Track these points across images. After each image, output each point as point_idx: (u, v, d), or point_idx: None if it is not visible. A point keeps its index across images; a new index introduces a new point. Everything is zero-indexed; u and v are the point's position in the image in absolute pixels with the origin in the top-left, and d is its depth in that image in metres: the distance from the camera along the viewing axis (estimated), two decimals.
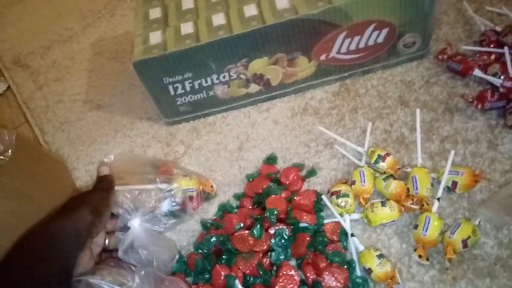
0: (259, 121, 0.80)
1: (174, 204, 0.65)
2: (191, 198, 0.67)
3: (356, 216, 0.62)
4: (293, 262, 0.61)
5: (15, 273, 0.44)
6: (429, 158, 0.66)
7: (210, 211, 0.71)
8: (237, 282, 0.58)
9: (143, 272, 0.54)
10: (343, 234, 0.61)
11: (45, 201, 0.62)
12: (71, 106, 0.96)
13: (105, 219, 0.55)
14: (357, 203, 0.64)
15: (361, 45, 0.75)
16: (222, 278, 0.59)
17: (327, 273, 0.56)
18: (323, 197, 0.64)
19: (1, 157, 0.57)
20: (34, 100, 1.00)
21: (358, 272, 0.58)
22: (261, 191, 0.68)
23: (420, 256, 0.56)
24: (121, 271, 0.57)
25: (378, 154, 0.65)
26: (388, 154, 0.65)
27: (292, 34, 0.71)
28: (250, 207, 0.67)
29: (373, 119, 0.73)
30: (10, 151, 0.58)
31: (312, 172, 0.69)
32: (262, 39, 0.71)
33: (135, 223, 0.60)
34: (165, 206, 0.64)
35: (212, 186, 0.70)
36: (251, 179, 0.71)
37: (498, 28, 0.76)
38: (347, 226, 0.61)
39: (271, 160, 0.73)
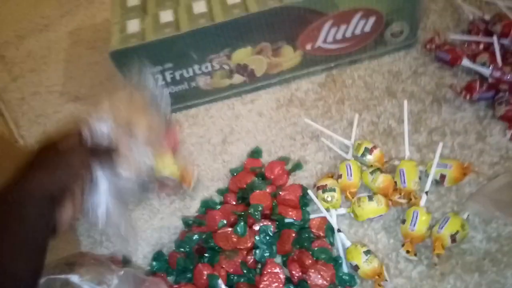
0: (243, 113, 0.77)
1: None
2: (164, 185, 0.61)
3: (342, 211, 0.61)
4: (278, 259, 0.59)
5: None
6: (417, 150, 0.65)
7: (192, 207, 0.68)
8: (220, 281, 0.56)
9: (122, 272, 0.52)
10: (330, 229, 0.60)
11: None
12: (47, 98, 0.92)
13: (82, 173, 0.46)
14: (344, 198, 0.62)
15: (348, 34, 0.73)
16: (204, 277, 0.56)
17: (313, 270, 0.54)
18: (309, 191, 0.63)
19: None
20: (9, 92, 0.96)
21: (345, 268, 0.57)
22: (245, 186, 0.65)
23: (408, 252, 0.55)
24: (100, 268, 0.54)
25: (365, 147, 0.63)
26: (375, 147, 0.63)
27: (277, 23, 0.69)
28: (234, 202, 0.65)
29: (360, 111, 0.71)
30: None
31: (297, 166, 0.67)
32: (246, 28, 0.68)
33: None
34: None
35: (190, 182, 0.64)
36: (235, 174, 0.69)
37: (487, 17, 0.75)
38: (333, 221, 0.60)
39: (255, 153, 0.71)
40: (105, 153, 0.47)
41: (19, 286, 0.39)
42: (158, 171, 0.57)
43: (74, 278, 0.53)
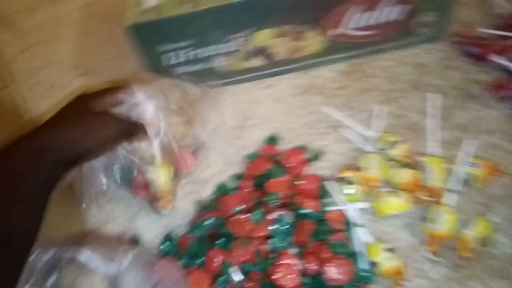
0: (260, 98, 0.75)
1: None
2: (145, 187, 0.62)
3: (362, 205, 0.58)
4: (293, 251, 0.57)
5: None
6: (441, 147, 0.62)
7: (204, 191, 0.66)
8: (233, 269, 0.54)
9: (136, 251, 0.49)
10: (349, 223, 0.57)
11: None
12: (57, 72, 0.88)
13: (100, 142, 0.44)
14: (364, 191, 0.60)
15: (373, 21, 0.69)
16: (217, 263, 0.54)
17: (330, 264, 0.52)
18: (328, 183, 0.60)
19: None
20: (17, 63, 0.92)
21: (363, 265, 0.54)
22: (261, 173, 0.63)
23: (431, 252, 0.53)
24: (109, 246, 0.53)
25: (390, 140, 0.60)
26: (400, 141, 0.60)
27: (302, 5, 0.65)
28: (249, 189, 0.63)
29: (383, 103, 0.69)
30: None
31: (316, 156, 0.65)
32: (269, 8, 0.65)
33: None
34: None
35: (164, 206, 0.63)
36: (251, 160, 0.66)
37: None
38: (352, 215, 0.57)
39: (272, 140, 0.68)
40: (131, 130, 0.44)
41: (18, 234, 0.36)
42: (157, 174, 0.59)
43: (82, 254, 0.51)
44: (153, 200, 0.62)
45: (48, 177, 0.38)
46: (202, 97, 0.59)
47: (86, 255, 0.51)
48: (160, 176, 0.59)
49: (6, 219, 0.35)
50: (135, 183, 0.62)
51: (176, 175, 0.61)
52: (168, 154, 0.57)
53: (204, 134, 0.61)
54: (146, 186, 0.61)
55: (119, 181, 0.60)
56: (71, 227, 0.63)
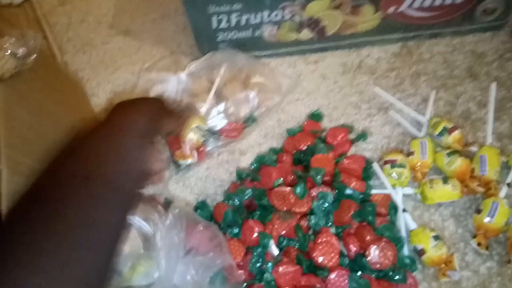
0: (306, 73, 0.72)
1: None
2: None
3: (410, 190, 0.56)
4: (332, 231, 0.55)
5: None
6: (497, 139, 0.59)
7: (241, 161, 0.64)
8: (272, 242, 0.52)
9: (177, 211, 0.48)
10: (393, 208, 0.55)
11: (62, 120, 0.55)
12: (95, 27, 0.86)
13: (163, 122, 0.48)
14: (412, 177, 0.57)
15: (437, 2, 0.66)
16: (255, 234, 0.52)
17: (375, 246, 0.50)
18: (374, 164, 0.58)
19: (23, 62, 0.49)
20: (55, 15, 0.90)
21: (406, 251, 0.52)
22: (303, 147, 0.60)
23: (479, 244, 0.50)
24: (145, 205, 0.51)
25: (444, 126, 0.57)
26: (455, 128, 0.57)
27: None
28: (289, 163, 0.60)
29: (437, 88, 0.65)
30: (33, 57, 0.50)
31: (362, 136, 0.62)
32: None
33: None
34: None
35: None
36: (292, 134, 0.64)
37: None
38: (398, 199, 0.55)
39: (316, 116, 0.65)
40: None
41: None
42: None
43: None
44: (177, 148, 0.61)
45: (135, 147, 0.40)
46: (256, 70, 0.59)
47: None
48: (193, 128, 0.59)
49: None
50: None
51: (209, 135, 0.62)
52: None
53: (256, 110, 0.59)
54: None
55: None
56: None
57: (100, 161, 0.36)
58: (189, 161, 0.60)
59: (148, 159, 0.42)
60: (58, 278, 0.29)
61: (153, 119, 0.43)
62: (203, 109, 0.63)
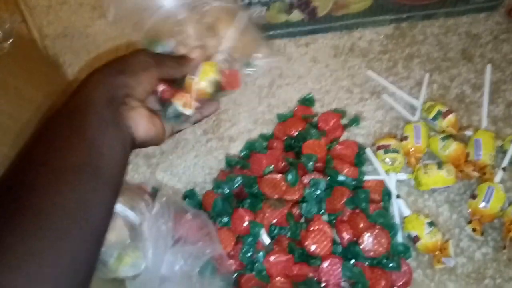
0: (296, 56, 0.70)
1: None
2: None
3: (403, 176, 0.54)
4: (324, 218, 0.53)
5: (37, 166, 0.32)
6: (492, 123, 0.58)
7: (230, 148, 0.62)
8: (263, 230, 0.50)
9: (164, 199, 0.46)
10: (387, 194, 0.54)
11: (44, 106, 0.52)
12: (77, 10, 0.83)
13: (147, 79, 0.39)
14: (406, 163, 0.56)
15: None
16: (245, 223, 0.51)
17: (368, 234, 0.49)
18: (368, 150, 0.56)
19: (0, 47, 0.47)
20: None
21: (400, 238, 0.51)
22: (295, 133, 0.59)
23: (474, 230, 0.49)
24: (131, 193, 0.49)
25: (438, 110, 0.56)
26: (450, 111, 0.56)
27: None
28: (280, 150, 0.59)
29: (431, 71, 0.64)
30: (10, 41, 0.48)
31: (355, 121, 0.60)
32: None
33: None
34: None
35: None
36: (282, 120, 0.62)
37: None
38: (392, 186, 0.54)
39: (307, 101, 0.64)
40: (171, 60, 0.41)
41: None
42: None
43: None
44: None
45: (99, 119, 0.35)
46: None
47: None
48: (206, 70, 0.45)
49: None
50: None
51: (217, 88, 0.46)
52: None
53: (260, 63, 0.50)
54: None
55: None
56: None
57: (62, 146, 0.33)
58: (190, 111, 0.45)
59: (128, 127, 0.37)
60: (29, 272, 0.27)
61: (125, 79, 0.37)
62: (219, 53, 0.47)
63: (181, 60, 0.42)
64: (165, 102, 0.44)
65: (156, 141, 0.41)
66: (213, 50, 0.46)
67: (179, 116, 0.43)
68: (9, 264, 0.27)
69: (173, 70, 0.42)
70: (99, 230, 0.33)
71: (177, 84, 0.45)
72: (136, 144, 0.38)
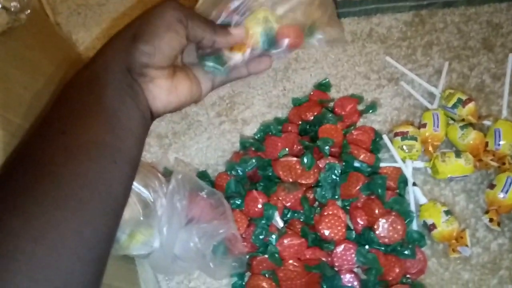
0: None
1: None
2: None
3: (420, 164, 0.54)
4: (338, 204, 0.53)
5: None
6: (511, 114, 0.57)
7: (244, 131, 0.61)
8: (276, 213, 0.50)
9: (180, 176, 0.45)
10: (402, 182, 0.53)
11: (57, 80, 0.51)
12: None
13: (170, 41, 0.33)
14: (423, 151, 0.55)
15: None
16: (259, 206, 0.50)
17: (384, 220, 0.48)
18: (384, 136, 0.55)
19: (16, 18, 0.46)
20: None
21: (415, 226, 0.50)
22: (311, 118, 0.58)
23: (491, 220, 0.49)
24: (144, 171, 0.48)
25: (458, 98, 0.55)
26: (470, 100, 0.55)
27: None
28: (295, 133, 0.58)
29: (450, 60, 0.63)
30: (27, 12, 0.47)
31: (372, 107, 0.59)
32: None
33: None
34: None
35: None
36: (297, 104, 0.61)
37: None
38: (409, 173, 0.53)
39: (323, 86, 0.63)
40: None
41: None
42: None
43: None
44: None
45: (116, 88, 0.33)
46: None
47: None
48: (259, 15, 0.37)
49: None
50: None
51: (271, 40, 0.38)
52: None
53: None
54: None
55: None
56: None
57: (82, 114, 0.31)
58: (239, 55, 0.37)
59: (146, 99, 0.34)
60: (51, 242, 0.27)
61: (142, 46, 0.32)
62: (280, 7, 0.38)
63: (218, 27, 0.36)
64: (204, 50, 0.37)
65: (182, 106, 0.37)
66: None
67: (221, 65, 0.37)
68: (31, 234, 0.27)
69: (203, 32, 0.35)
70: (118, 204, 0.33)
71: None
72: (155, 116, 0.36)
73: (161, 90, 0.35)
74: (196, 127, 0.63)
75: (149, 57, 0.33)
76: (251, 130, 0.61)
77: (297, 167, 0.51)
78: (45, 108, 0.34)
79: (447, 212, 0.48)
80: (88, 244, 0.29)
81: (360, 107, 0.61)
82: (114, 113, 0.32)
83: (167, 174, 0.57)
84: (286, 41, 0.38)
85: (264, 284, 0.48)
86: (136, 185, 0.47)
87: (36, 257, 0.26)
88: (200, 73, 0.38)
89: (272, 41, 0.37)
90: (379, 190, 0.50)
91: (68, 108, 0.33)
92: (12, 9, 0.49)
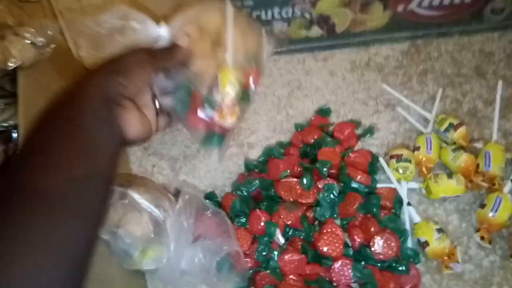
0: (314, 70, 0.73)
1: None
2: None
3: (414, 185, 0.57)
4: (337, 222, 0.56)
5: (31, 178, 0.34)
6: (503, 137, 0.60)
7: (249, 154, 0.65)
8: (278, 231, 0.53)
9: (187, 197, 0.49)
10: (398, 202, 0.56)
11: None
12: None
13: (140, 76, 0.40)
14: (417, 173, 0.58)
15: (446, 1, 0.67)
16: (261, 224, 0.54)
17: (379, 237, 0.51)
18: (380, 159, 0.59)
19: (42, 52, 0.52)
20: (72, 11, 0.93)
21: (410, 243, 0.53)
22: (311, 141, 0.62)
23: (482, 238, 0.51)
24: (156, 192, 0.53)
25: (450, 123, 0.58)
26: (461, 124, 0.58)
27: None
28: (297, 156, 0.62)
29: (444, 86, 0.66)
30: (51, 46, 0.52)
31: (369, 131, 0.63)
32: None
33: None
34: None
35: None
36: (299, 129, 0.65)
37: None
38: (403, 193, 0.56)
39: (324, 112, 0.67)
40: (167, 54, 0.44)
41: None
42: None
43: (133, 193, 0.51)
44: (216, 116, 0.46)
45: (94, 117, 0.37)
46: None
47: (135, 197, 0.51)
48: (229, 81, 0.45)
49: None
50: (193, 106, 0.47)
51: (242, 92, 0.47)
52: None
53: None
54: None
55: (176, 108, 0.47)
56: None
57: (60, 136, 0.35)
58: (233, 119, 0.46)
59: (120, 126, 0.38)
60: (40, 245, 0.30)
61: (118, 78, 0.38)
62: (228, 56, 0.46)
63: (172, 49, 0.44)
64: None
65: (143, 139, 0.43)
66: (221, 58, 0.46)
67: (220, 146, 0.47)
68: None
69: (167, 61, 0.43)
70: (95, 219, 0.35)
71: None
72: (125, 143, 0.40)
73: (133, 118, 0.40)
74: (206, 151, 0.67)
75: (125, 87, 0.38)
76: (256, 153, 0.65)
77: (297, 187, 0.55)
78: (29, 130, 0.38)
79: (439, 230, 0.51)
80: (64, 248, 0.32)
81: (359, 132, 0.64)
82: (93, 141, 0.36)
83: (178, 194, 0.61)
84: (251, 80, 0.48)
85: None
86: (148, 205, 0.51)
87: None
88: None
89: (246, 93, 0.47)
90: (374, 209, 0.53)
91: (49, 131, 0.36)
92: (39, 44, 0.55)
